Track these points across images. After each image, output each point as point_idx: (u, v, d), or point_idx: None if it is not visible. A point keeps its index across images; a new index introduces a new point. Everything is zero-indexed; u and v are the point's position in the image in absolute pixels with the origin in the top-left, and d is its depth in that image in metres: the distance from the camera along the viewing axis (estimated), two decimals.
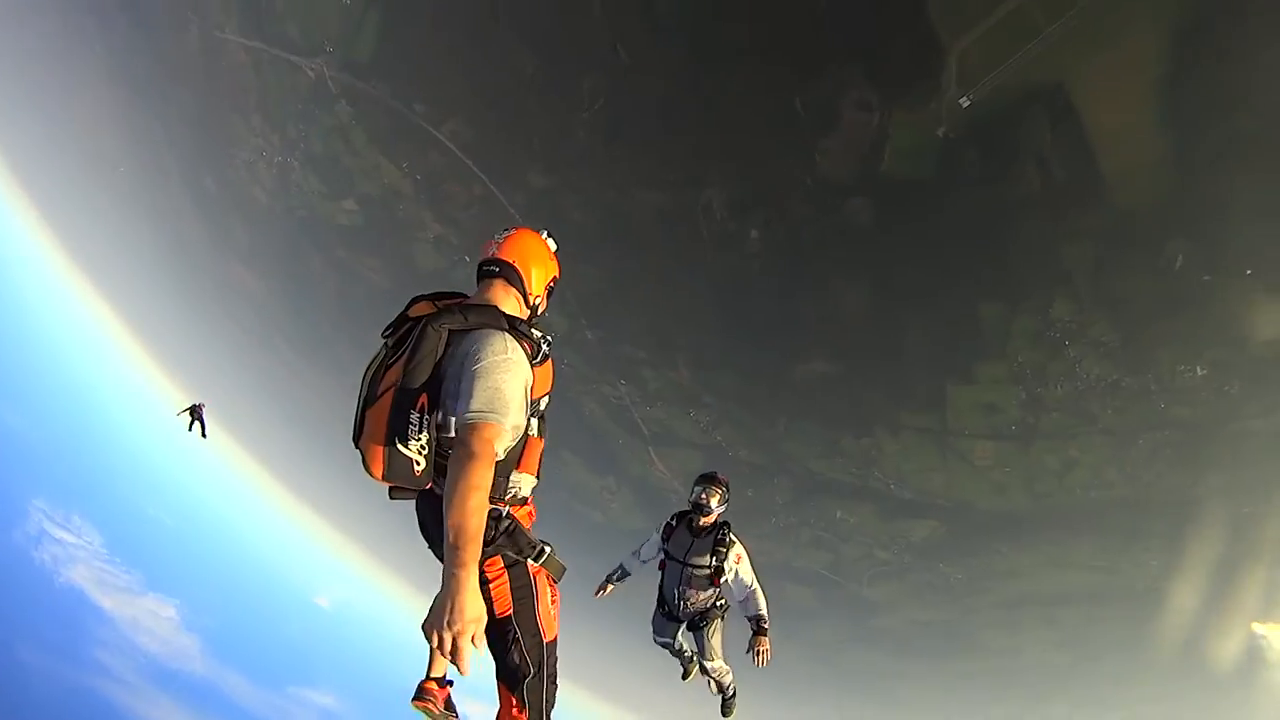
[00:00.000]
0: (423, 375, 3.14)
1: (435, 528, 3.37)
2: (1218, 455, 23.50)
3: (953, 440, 26.06)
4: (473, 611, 2.60)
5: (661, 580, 6.95)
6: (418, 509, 3.58)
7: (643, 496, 34.67)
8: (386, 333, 3.40)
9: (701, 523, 6.62)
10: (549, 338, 3.59)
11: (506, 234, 3.72)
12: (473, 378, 3.07)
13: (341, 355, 40.44)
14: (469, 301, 3.50)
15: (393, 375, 3.20)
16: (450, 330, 3.22)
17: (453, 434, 3.00)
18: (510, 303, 3.56)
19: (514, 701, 3.65)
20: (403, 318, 3.43)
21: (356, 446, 3.23)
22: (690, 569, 6.62)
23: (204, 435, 20.20)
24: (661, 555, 6.84)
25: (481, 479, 2.82)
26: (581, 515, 38.40)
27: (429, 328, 3.19)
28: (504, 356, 3.15)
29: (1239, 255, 20.16)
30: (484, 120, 26.92)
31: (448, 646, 2.57)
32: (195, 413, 19.73)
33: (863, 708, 44.43)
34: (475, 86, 26.17)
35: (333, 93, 28.86)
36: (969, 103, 20.59)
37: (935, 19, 19.75)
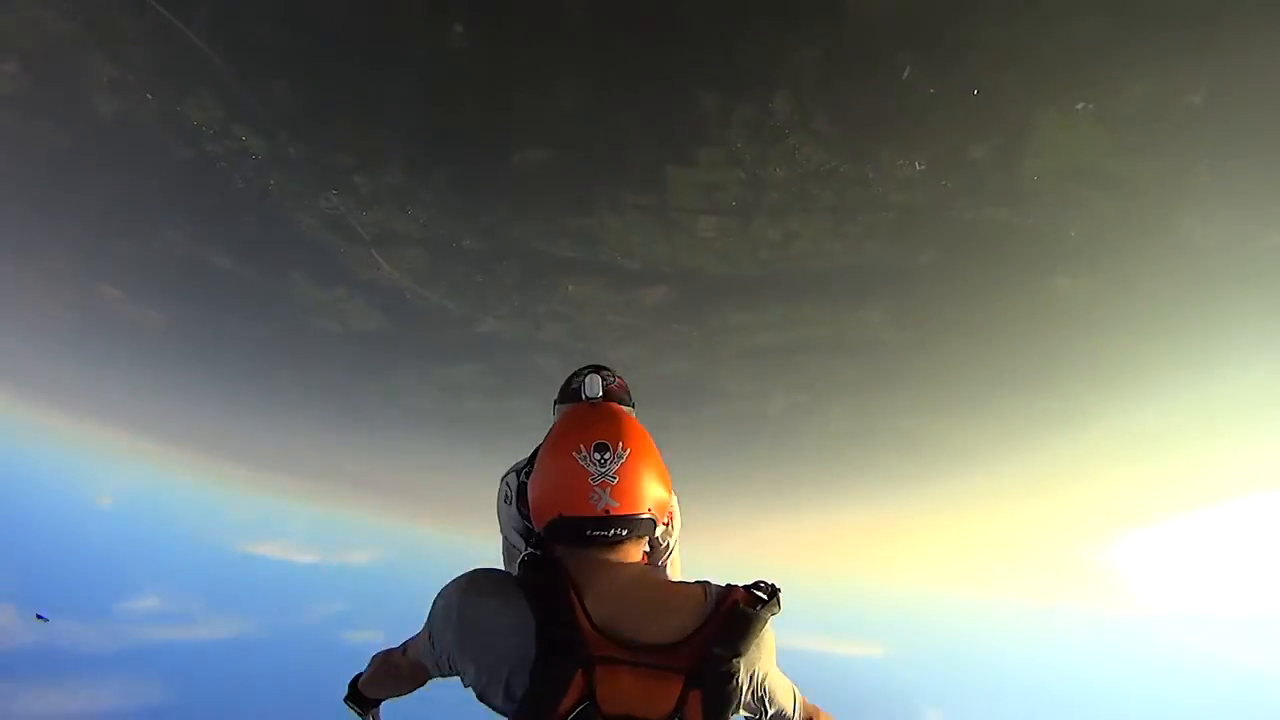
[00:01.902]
0: None
1: None
2: (931, 237, 26.57)
3: (675, 216, 27.42)
4: None
5: None
6: None
7: (375, 298, 34.48)
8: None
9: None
10: None
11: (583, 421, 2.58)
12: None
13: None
14: None
15: None
16: None
17: None
18: None
19: None
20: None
21: None
22: None
23: None
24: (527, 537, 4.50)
25: None
26: (321, 328, 37.74)
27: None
28: None
29: (965, 78, 21.87)
30: None
31: None
32: None
33: None
34: None
35: None
36: None
37: None
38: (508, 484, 3.87)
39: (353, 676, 3.05)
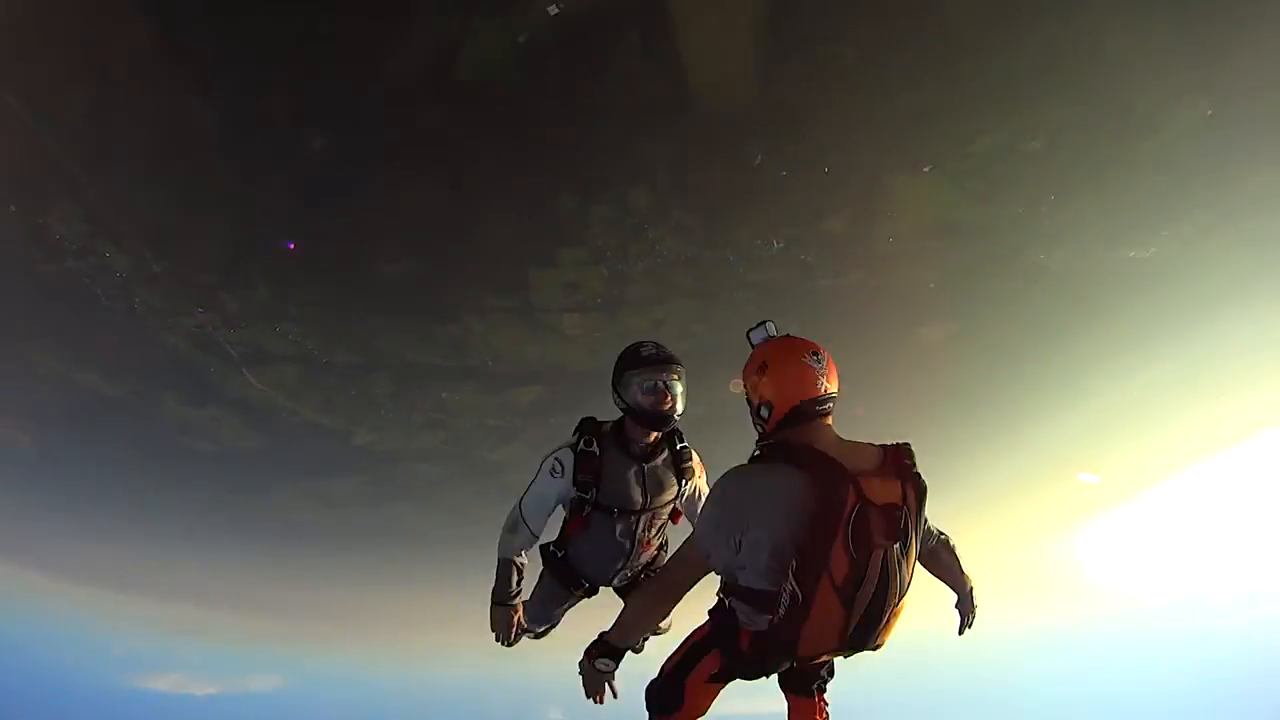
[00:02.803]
0: None
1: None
2: (795, 308, 27.59)
3: (541, 316, 28.37)
4: None
5: (574, 548, 4.69)
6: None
7: (249, 416, 33.98)
8: (866, 527, 2.98)
9: (652, 438, 4.58)
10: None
11: (798, 350, 3.57)
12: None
13: None
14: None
15: (914, 547, 3.22)
16: None
17: None
18: None
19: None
20: (876, 510, 3.02)
21: (864, 640, 3.16)
22: (648, 515, 4.51)
23: None
24: (581, 511, 4.46)
25: None
26: (195, 449, 36.86)
27: (923, 495, 3.27)
28: None
29: (814, 157, 23.67)
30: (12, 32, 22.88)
31: None
32: None
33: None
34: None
35: None
36: (557, 10, 20.53)
37: None
38: (558, 459, 4.51)
39: (596, 638, 3.65)
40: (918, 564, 3.36)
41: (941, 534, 4.12)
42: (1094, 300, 32.56)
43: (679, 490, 4.63)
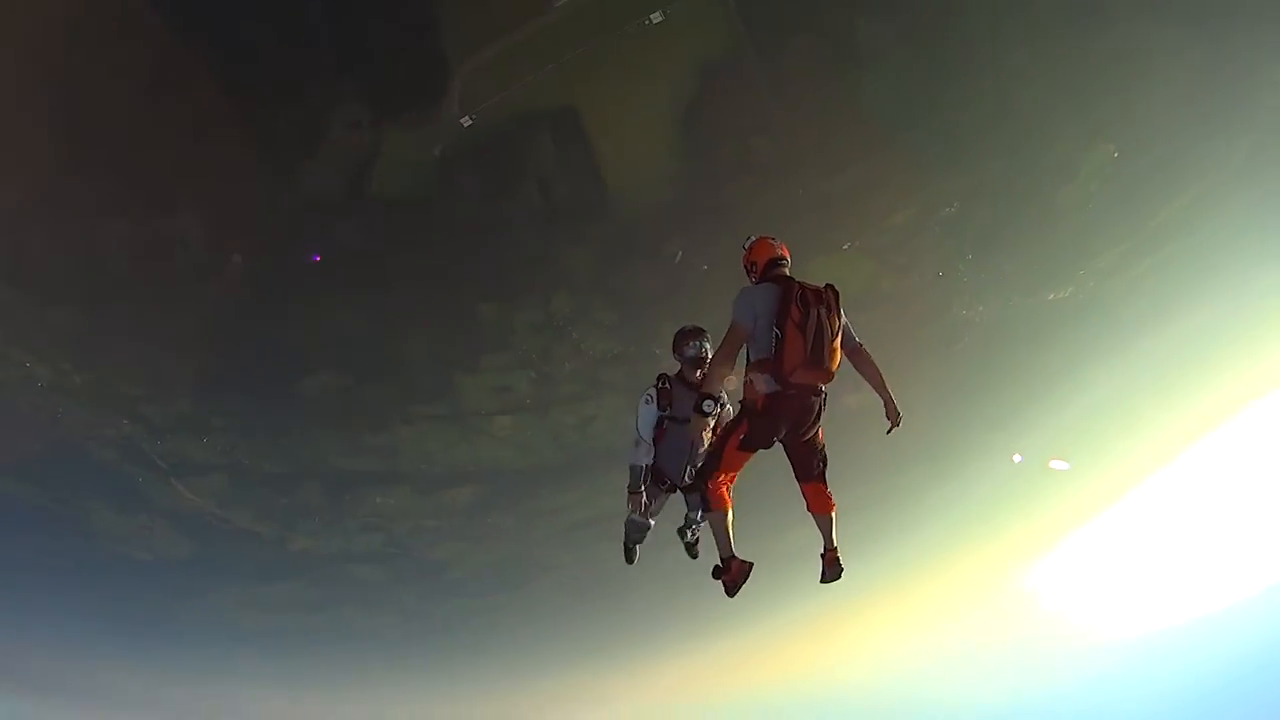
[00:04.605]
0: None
1: (802, 413, 5.44)
2: None
3: (470, 420, 28.37)
4: None
5: (659, 453, 6.98)
6: (796, 400, 5.39)
7: (181, 525, 33.03)
8: (805, 300, 5.31)
9: (698, 375, 6.77)
10: None
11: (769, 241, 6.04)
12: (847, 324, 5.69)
13: None
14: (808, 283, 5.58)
15: (836, 322, 5.41)
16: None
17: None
18: None
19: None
20: (809, 291, 5.40)
21: (818, 363, 5.24)
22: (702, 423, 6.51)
23: None
24: (661, 425, 6.87)
25: None
26: (126, 556, 35.72)
27: (837, 297, 5.52)
28: None
29: (735, 248, 23.97)
30: None
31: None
32: None
33: (465, 654, 47.58)
34: None
35: None
36: (470, 122, 21.23)
37: (445, 36, 20.04)
38: (648, 394, 6.91)
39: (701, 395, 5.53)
40: (851, 364, 5.86)
41: (860, 342, 5.95)
42: (1016, 346, 34.08)
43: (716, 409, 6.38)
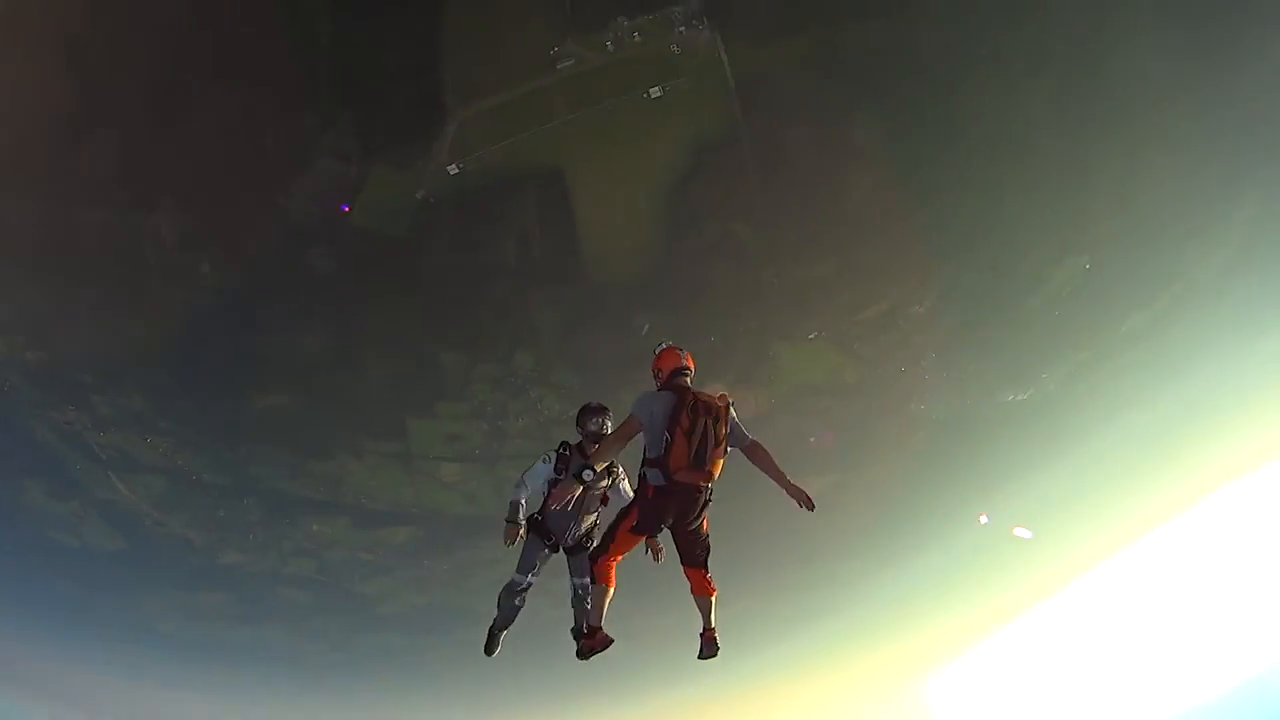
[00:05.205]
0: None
1: (687, 505, 5.87)
2: None
3: (418, 462, 27.93)
4: None
5: (549, 513, 7.27)
6: (680, 495, 5.83)
7: (114, 518, 32.33)
8: (695, 410, 5.79)
9: (595, 448, 7.00)
10: None
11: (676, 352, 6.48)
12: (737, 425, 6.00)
13: None
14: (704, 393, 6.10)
15: (722, 430, 5.81)
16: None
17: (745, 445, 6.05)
18: None
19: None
20: (700, 403, 5.86)
21: (700, 466, 5.69)
22: (590, 493, 7.18)
23: None
24: (554, 485, 7.13)
25: None
26: (54, 541, 34.86)
27: (730, 411, 5.95)
28: None
29: (701, 326, 24.40)
30: None
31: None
32: None
33: (387, 691, 46.40)
34: None
35: None
36: (457, 170, 21.42)
37: (446, 81, 20.38)
38: (548, 454, 7.11)
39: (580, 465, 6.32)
40: (750, 460, 6.17)
41: (753, 437, 6.22)
42: (973, 443, 33.99)
43: (609, 482, 7.14)
